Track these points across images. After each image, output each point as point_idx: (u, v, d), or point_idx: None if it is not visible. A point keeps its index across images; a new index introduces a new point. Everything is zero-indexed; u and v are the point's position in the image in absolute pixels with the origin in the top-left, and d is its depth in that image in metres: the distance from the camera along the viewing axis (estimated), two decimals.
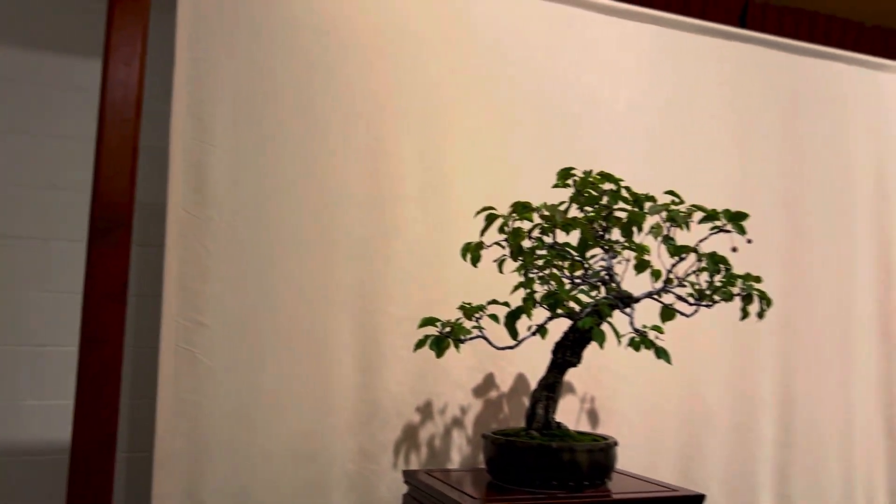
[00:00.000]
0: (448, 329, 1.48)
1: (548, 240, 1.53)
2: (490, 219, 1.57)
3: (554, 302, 1.40)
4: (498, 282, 1.60)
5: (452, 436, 1.86)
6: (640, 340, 1.42)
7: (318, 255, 1.78)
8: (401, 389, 1.82)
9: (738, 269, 2.12)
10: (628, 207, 1.51)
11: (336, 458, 1.74)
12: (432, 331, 1.48)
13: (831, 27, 3.26)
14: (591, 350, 1.96)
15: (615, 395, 2.02)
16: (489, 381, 1.91)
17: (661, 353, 1.42)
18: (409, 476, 1.56)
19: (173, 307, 1.64)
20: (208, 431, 1.64)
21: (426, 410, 1.84)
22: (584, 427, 1.99)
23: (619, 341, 1.51)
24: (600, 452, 1.45)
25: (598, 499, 1.39)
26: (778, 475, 2.19)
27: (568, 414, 1.97)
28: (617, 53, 2.14)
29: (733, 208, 2.22)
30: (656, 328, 1.46)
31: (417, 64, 1.92)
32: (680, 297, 1.54)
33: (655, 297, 1.52)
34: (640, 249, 1.48)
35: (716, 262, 1.44)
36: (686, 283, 1.51)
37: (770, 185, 2.28)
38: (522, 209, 1.48)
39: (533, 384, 1.94)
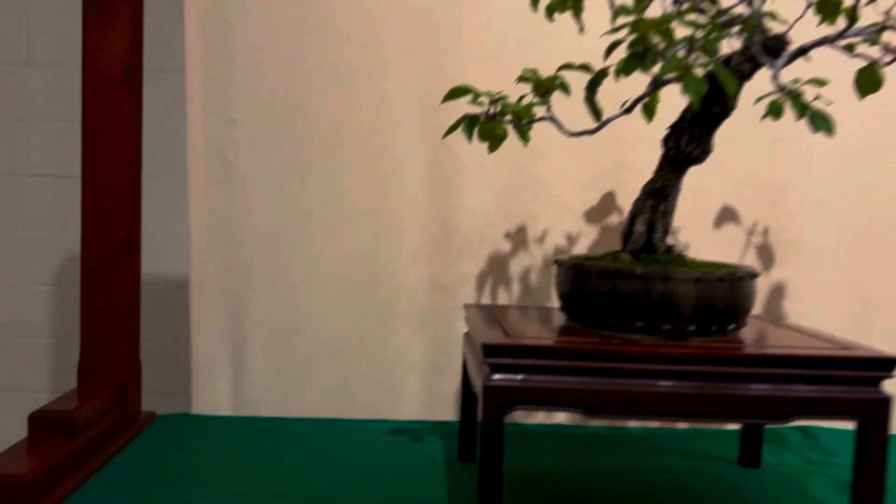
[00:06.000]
0: (495, 105, 1.03)
1: None
2: None
3: (643, 51, 0.88)
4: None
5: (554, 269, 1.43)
6: (785, 101, 0.85)
7: (371, 30, 1.39)
8: (485, 209, 1.42)
9: None
10: None
11: (402, 290, 1.42)
12: (472, 109, 1.04)
13: None
14: (765, 160, 1.39)
15: (803, 224, 1.42)
16: (608, 201, 1.42)
17: (818, 121, 0.84)
18: (466, 311, 1.19)
19: (198, 98, 1.38)
20: (246, 251, 1.40)
21: (519, 237, 1.43)
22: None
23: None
24: (719, 284, 0.94)
25: (704, 351, 0.90)
26: None
27: (728, 248, 1.42)
28: None
29: None
30: (817, 81, 0.88)
31: None
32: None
33: (832, 43, 0.91)
34: None
35: None
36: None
37: None
38: None
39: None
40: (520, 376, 0.90)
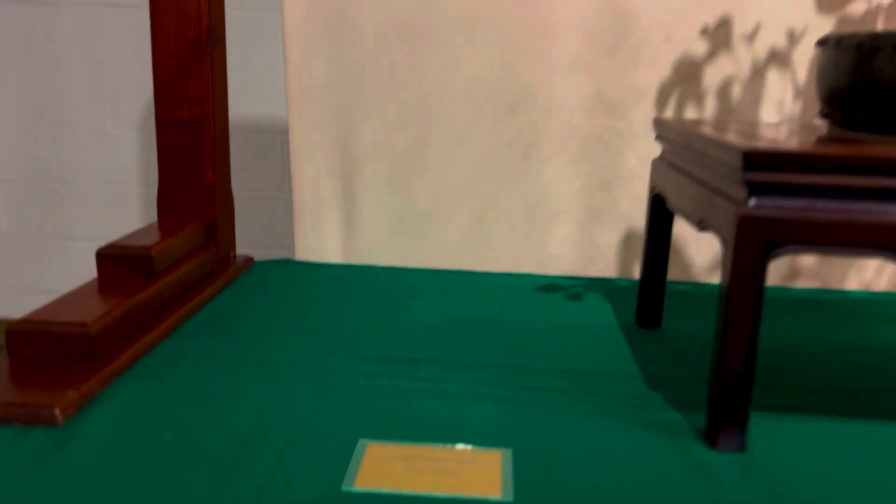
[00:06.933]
0: None
1: None
2: None
3: None
4: None
5: (767, 77, 1.06)
6: None
7: None
8: None
9: None
10: None
11: (555, 109, 1.09)
12: None
13: None
14: None
15: None
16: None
17: None
18: (661, 127, 0.86)
19: None
20: (356, 57, 1.09)
21: (719, 35, 1.05)
22: None
23: None
24: None
25: None
26: None
27: None
28: None
29: None
30: None
31: None
32: None
33: None
34: None
35: None
36: None
37: None
38: None
39: None
40: (800, 202, 0.57)
